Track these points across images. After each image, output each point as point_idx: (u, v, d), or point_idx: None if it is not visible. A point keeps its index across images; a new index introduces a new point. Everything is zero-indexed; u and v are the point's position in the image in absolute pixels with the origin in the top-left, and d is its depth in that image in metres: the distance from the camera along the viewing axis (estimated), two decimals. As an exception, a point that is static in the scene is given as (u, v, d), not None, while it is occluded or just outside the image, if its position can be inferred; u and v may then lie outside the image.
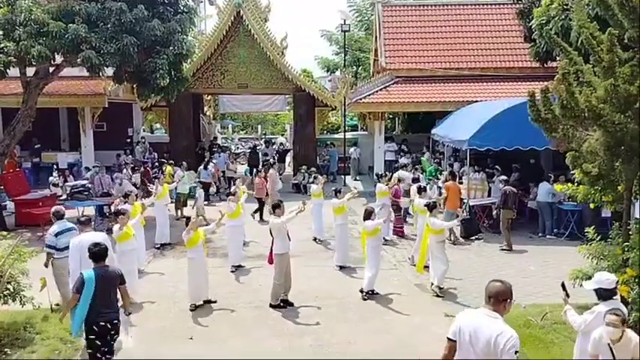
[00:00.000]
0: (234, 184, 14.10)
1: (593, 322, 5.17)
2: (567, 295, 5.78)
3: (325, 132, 30.59)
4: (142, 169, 19.66)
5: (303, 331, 8.20)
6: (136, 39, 13.42)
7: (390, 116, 29.50)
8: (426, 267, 10.15)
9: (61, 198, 16.39)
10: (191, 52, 16.48)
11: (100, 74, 14.22)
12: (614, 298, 5.42)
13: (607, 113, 6.44)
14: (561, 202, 13.57)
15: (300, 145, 22.15)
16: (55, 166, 19.73)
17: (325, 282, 10.46)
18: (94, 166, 18.09)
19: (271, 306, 9.04)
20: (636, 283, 6.71)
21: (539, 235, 13.78)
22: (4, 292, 7.36)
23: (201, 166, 19.05)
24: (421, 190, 12.12)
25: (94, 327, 6.11)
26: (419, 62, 22.24)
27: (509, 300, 4.16)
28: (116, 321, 6.25)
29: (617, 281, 5.67)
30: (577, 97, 6.76)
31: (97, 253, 6.31)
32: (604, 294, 5.35)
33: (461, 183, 14.86)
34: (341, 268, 11.23)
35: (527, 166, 15.79)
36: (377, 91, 21.14)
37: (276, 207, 9.31)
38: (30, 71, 14.49)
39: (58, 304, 8.26)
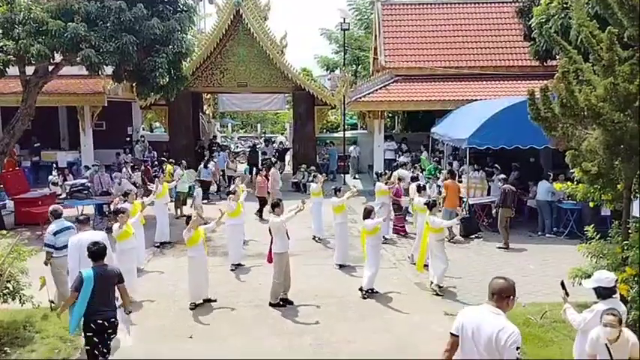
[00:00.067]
0: (233, 183, 14.07)
1: (592, 321, 5.17)
2: (567, 294, 5.78)
3: (325, 131, 30.58)
4: (143, 167, 19.66)
5: (303, 330, 8.21)
6: (135, 38, 13.41)
7: (390, 115, 29.49)
8: (426, 266, 10.15)
9: (60, 197, 16.38)
10: (190, 51, 16.49)
11: (100, 73, 14.23)
12: (614, 296, 5.42)
13: (606, 112, 6.44)
14: (561, 200, 13.58)
15: (300, 143, 22.14)
16: (54, 165, 19.72)
17: (325, 281, 10.47)
18: (93, 165, 18.09)
19: (271, 305, 9.05)
20: (635, 281, 6.71)
21: (539, 233, 13.79)
22: (4, 291, 7.36)
23: (202, 165, 19.06)
24: (420, 189, 12.13)
25: (92, 325, 6.14)
26: (418, 61, 22.23)
27: (512, 297, 4.19)
28: (113, 319, 6.27)
29: (617, 280, 5.67)
30: (576, 95, 6.76)
31: (96, 252, 6.33)
32: (603, 292, 5.35)
33: (460, 182, 14.86)
34: (340, 266, 11.24)
35: (526, 165, 15.80)
36: (376, 90, 21.13)
37: (275, 206, 9.31)
38: (29, 70, 14.49)
39: (52, 301, 8.26)
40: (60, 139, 23.90)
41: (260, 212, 15.55)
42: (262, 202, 15.42)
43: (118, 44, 13.19)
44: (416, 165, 18.53)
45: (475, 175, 15.15)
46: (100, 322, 6.15)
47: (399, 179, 14.78)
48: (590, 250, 7.59)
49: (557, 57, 13.32)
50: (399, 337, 7.91)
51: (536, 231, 13.90)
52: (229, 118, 42.63)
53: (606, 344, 4.80)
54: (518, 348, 3.96)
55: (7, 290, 7.40)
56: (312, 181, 15.68)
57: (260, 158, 23.10)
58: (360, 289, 9.57)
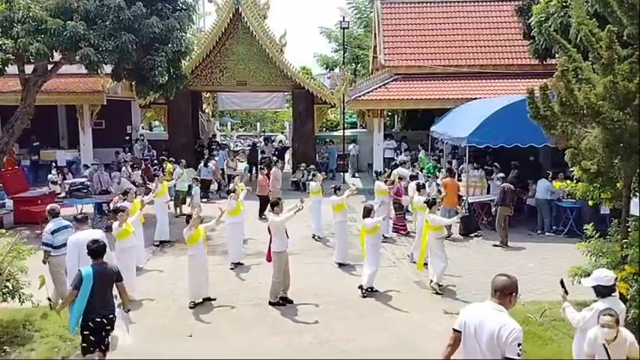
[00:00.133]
0: (233, 182, 14.08)
1: (591, 319, 5.18)
2: (566, 292, 5.79)
3: (324, 129, 30.59)
4: (143, 166, 19.65)
5: (303, 329, 8.21)
6: (134, 36, 13.41)
7: (389, 114, 29.48)
8: (426, 264, 10.16)
9: (59, 196, 16.36)
10: (190, 50, 16.49)
11: (99, 71, 14.21)
12: (613, 295, 5.43)
13: (606, 110, 6.44)
14: (560, 199, 13.58)
15: (300, 142, 22.14)
16: (53, 164, 19.70)
17: (324, 279, 10.47)
18: (92, 164, 18.07)
19: (270, 303, 9.05)
20: (635, 280, 6.72)
21: (538, 232, 13.79)
22: (4, 290, 7.36)
23: (202, 164, 19.06)
24: (420, 188, 12.13)
25: (90, 323, 6.18)
26: (418, 59, 22.24)
27: (514, 294, 4.22)
28: (112, 316, 6.34)
29: (616, 278, 5.68)
30: (576, 94, 6.75)
31: (96, 250, 6.35)
32: (602, 291, 5.36)
33: (460, 180, 14.86)
34: (340, 265, 11.24)
35: (526, 164, 15.80)
36: (376, 89, 21.12)
37: (275, 205, 9.32)
38: (28, 69, 14.48)
39: (50, 299, 8.27)
40: (59, 137, 23.89)
41: (261, 211, 15.52)
42: (263, 200, 15.42)
43: (117, 43, 13.18)
44: (415, 164, 18.54)
45: (474, 174, 15.15)
46: (99, 320, 6.19)
47: (400, 178, 14.78)
48: (590, 249, 7.59)
49: (557, 55, 13.29)
50: (399, 336, 7.92)
51: (535, 229, 13.90)
52: (229, 116, 42.61)
53: (604, 344, 4.81)
54: (519, 345, 3.97)
55: (6, 289, 7.40)
56: (312, 179, 15.67)
57: (259, 157, 23.10)
58: (360, 288, 9.57)
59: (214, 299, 9.23)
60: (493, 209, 13.50)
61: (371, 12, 32.59)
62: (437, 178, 15.85)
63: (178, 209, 16.19)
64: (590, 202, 8.24)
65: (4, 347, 7.17)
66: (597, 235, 7.69)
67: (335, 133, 26.92)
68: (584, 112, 6.70)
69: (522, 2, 17.40)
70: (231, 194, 11.67)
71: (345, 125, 26.23)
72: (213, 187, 19.19)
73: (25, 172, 18.39)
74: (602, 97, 6.53)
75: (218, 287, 9.69)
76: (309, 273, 10.66)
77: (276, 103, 30.15)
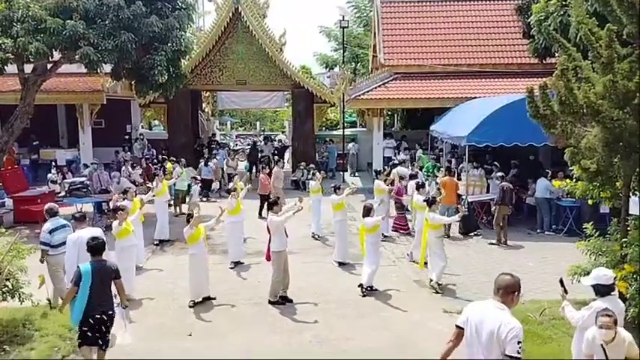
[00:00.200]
0: (232, 181, 14.08)
1: (590, 318, 5.18)
2: (565, 291, 5.79)
3: (324, 128, 30.58)
4: (144, 165, 19.64)
5: (302, 328, 8.21)
6: (134, 35, 13.39)
7: (389, 113, 29.49)
8: (427, 263, 10.16)
9: (59, 195, 16.38)
10: (189, 49, 16.48)
11: (98, 71, 14.19)
12: (612, 293, 5.44)
13: (605, 109, 6.44)
14: (560, 198, 13.59)
15: (299, 141, 22.14)
16: (53, 163, 19.69)
17: (324, 278, 10.47)
18: (92, 163, 18.07)
19: (270, 302, 9.05)
20: (634, 278, 6.72)
21: (538, 231, 13.80)
22: (3, 289, 7.36)
23: (202, 163, 19.06)
24: (419, 187, 12.14)
25: (90, 319, 6.23)
26: (418, 58, 22.25)
27: (517, 293, 4.26)
28: (111, 312, 6.40)
29: (615, 277, 5.68)
30: (576, 93, 6.75)
31: (95, 247, 6.41)
32: (602, 290, 5.37)
33: (459, 179, 14.87)
34: (340, 264, 11.25)
35: (525, 163, 15.81)
36: (375, 88, 21.14)
37: (274, 204, 9.32)
38: (28, 68, 14.46)
39: (49, 300, 8.28)
40: (59, 137, 23.88)
41: (261, 210, 15.50)
42: (264, 199, 15.39)
43: (116, 42, 13.17)
44: (414, 163, 18.53)
45: (474, 173, 15.15)
46: (98, 316, 6.25)
47: (401, 178, 14.78)
48: (589, 248, 7.60)
49: (556, 54, 13.32)
50: (398, 335, 7.92)
51: (535, 228, 13.91)
52: (228, 115, 42.61)
53: (602, 345, 4.82)
54: (519, 342, 3.98)
55: (6, 288, 7.41)
56: (312, 178, 15.67)
57: (259, 156, 23.10)
58: (360, 286, 9.58)
59: (214, 298, 9.23)
60: (493, 208, 13.50)
61: (370, 11, 32.62)
62: (436, 177, 15.85)
63: (178, 208, 16.19)
64: (590, 201, 8.24)
65: (4, 346, 7.17)
66: (597, 234, 7.70)
67: (335, 133, 26.92)
68: (584, 111, 6.70)
69: (522, 1, 17.41)
70: (232, 193, 11.68)
71: (345, 124, 26.22)
72: (215, 185, 19.18)
73: (25, 171, 18.40)
74: (602, 96, 6.53)
75: (218, 286, 9.69)
76: (309, 272, 10.66)
77: (275, 102, 30.14)
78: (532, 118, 7.45)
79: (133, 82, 16.27)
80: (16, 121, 14.31)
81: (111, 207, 11.76)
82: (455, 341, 4.43)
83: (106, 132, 22.38)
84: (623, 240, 7.14)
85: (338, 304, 9.10)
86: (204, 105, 28.54)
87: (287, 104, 31.24)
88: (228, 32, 20.94)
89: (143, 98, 18.89)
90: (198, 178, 18.16)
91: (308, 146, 21.97)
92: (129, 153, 21.47)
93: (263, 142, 26.55)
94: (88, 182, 16.61)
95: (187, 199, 15.88)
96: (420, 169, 17.26)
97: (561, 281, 5.87)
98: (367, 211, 9.63)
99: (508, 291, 4.22)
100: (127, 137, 23.75)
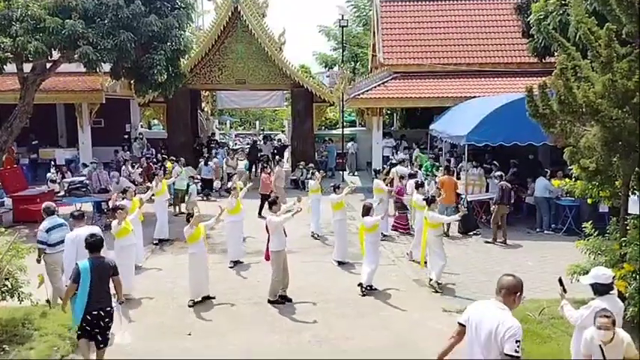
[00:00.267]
0: (231, 180, 14.08)
1: (589, 317, 5.19)
2: (564, 290, 5.80)
3: (323, 128, 30.59)
4: (145, 164, 19.64)
5: (302, 327, 8.21)
6: (133, 35, 13.38)
7: (388, 112, 29.48)
8: (426, 262, 10.16)
9: (58, 194, 16.37)
10: (189, 48, 16.46)
11: (98, 70, 14.19)
12: (611, 293, 5.44)
13: (605, 108, 6.44)
14: (559, 197, 13.60)
15: (299, 140, 22.13)
16: (52, 163, 19.68)
17: (323, 278, 10.47)
18: (91, 163, 18.06)
19: (270, 302, 9.06)
20: (633, 278, 6.73)
21: (537, 230, 13.81)
22: (2, 289, 7.35)
23: (202, 163, 19.06)
24: (419, 186, 12.14)
25: (88, 316, 6.28)
26: (417, 58, 22.24)
27: (519, 293, 4.30)
28: (109, 308, 6.44)
29: (614, 276, 5.69)
30: (575, 92, 6.76)
31: (93, 244, 6.44)
32: (600, 289, 5.38)
33: (459, 178, 14.88)
34: (339, 263, 11.25)
35: (525, 162, 15.81)
36: (375, 87, 21.15)
37: (273, 204, 9.32)
38: (27, 67, 14.46)
39: (48, 300, 8.28)
40: (58, 136, 23.88)
41: (261, 209, 15.47)
42: (265, 198, 15.36)
43: (115, 41, 13.16)
44: (414, 162, 18.52)
45: (473, 172, 15.15)
46: (96, 313, 6.30)
47: (402, 177, 14.77)
48: (589, 247, 7.60)
49: (556, 54, 13.31)
50: (398, 334, 7.92)
51: (534, 228, 13.92)
52: (228, 115, 42.58)
53: (600, 345, 4.82)
54: (518, 341, 3.99)
55: (5, 288, 7.40)
56: (311, 178, 15.67)
57: (258, 155, 23.10)
58: (360, 285, 9.58)
59: (213, 297, 9.23)
60: (492, 207, 13.50)
61: (370, 10, 32.60)
62: (435, 176, 15.85)
63: (177, 208, 16.19)
64: (589, 201, 8.25)
65: (4, 346, 7.16)
66: (596, 233, 7.71)
67: (334, 132, 26.92)
68: (583, 110, 6.70)
69: (521, 0, 17.40)
70: (232, 192, 11.67)
71: (344, 124, 26.21)
72: (217, 184, 19.17)
73: (24, 170, 18.38)
74: (601, 96, 6.53)
75: (217, 285, 9.69)
76: (309, 271, 10.66)
77: (275, 101, 30.13)
78: (531, 117, 7.46)
79: (132, 82, 16.26)
80: (15, 120, 14.31)
81: (110, 206, 11.76)
82: (456, 338, 4.48)
83: (106, 131, 22.37)
84: (622, 239, 7.15)
85: (337, 304, 9.10)
86: (203, 104, 28.54)
87: (286, 103, 31.23)
88: (227, 31, 20.92)
89: (142, 97, 18.88)
90: (198, 177, 18.15)
91: (307, 145, 21.96)
92: (128, 152, 21.45)
93: (262, 142, 26.55)
94: (87, 182, 16.60)
95: (186, 199, 15.87)
96: (420, 168, 17.26)
97: (560, 280, 5.87)
98: (366, 211, 9.63)
99: (510, 291, 4.25)
100: (126, 137, 23.74)
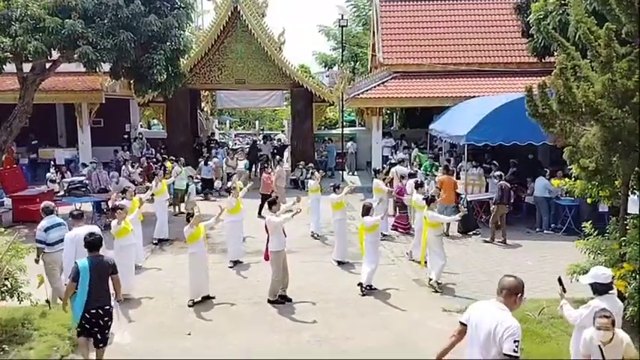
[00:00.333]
0: (232, 180, 14.07)
1: (588, 317, 5.19)
2: (564, 290, 5.80)
3: (323, 128, 30.59)
4: (146, 164, 19.65)
5: (301, 327, 8.21)
6: (132, 34, 13.38)
7: (388, 112, 29.48)
8: (427, 262, 10.16)
9: (58, 194, 16.36)
10: (188, 48, 16.46)
11: (97, 70, 14.19)
12: (610, 292, 5.45)
13: (604, 108, 6.44)
14: (559, 197, 13.60)
15: (298, 140, 22.13)
16: (52, 163, 19.68)
17: (323, 277, 10.48)
18: (91, 162, 18.06)
19: (269, 302, 9.05)
20: (633, 277, 6.73)
21: (537, 230, 13.81)
22: (2, 289, 7.35)
23: (202, 163, 19.05)
24: (418, 186, 12.14)
25: (87, 314, 6.30)
26: (417, 57, 22.25)
27: (520, 294, 4.30)
28: (108, 307, 6.46)
29: (613, 276, 5.69)
30: (574, 92, 6.76)
31: (92, 243, 6.47)
32: (600, 288, 5.38)
33: (458, 178, 14.88)
34: (339, 263, 11.25)
35: (524, 161, 15.82)
36: (374, 87, 21.16)
37: (273, 204, 9.32)
38: (26, 67, 14.46)
39: (48, 301, 8.28)
40: (57, 136, 23.87)
41: (261, 209, 15.44)
42: (265, 198, 15.35)
43: (115, 41, 13.16)
44: (413, 162, 18.52)
45: (473, 172, 15.15)
46: (94, 311, 6.32)
47: (402, 177, 14.77)
48: (588, 247, 7.61)
49: (555, 53, 13.32)
50: (398, 334, 7.93)
51: (534, 227, 13.92)
52: (227, 115, 42.57)
53: (599, 345, 4.83)
54: (516, 341, 3.99)
55: (5, 288, 7.40)
56: (311, 178, 15.67)
57: (258, 155, 23.11)
58: (359, 285, 9.58)
59: (213, 297, 9.23)
60: (492, 207, 13.50)
61: (370, 10, 32.61)
62: (435, 176, 15.85)
63: (177, 207, 16.19)
64: (589, 200, 8.26)
65: (3, 346, 7.16)
66: (595, 232, 7.71)
67: (334, 132, 26.92)
68: (583, 110, 6.71)
69: (521, 0, 17.39)
70: (232, 192, 11.68)
71: (344, 123, 26.21)
72: (217, 184, 19.17)
73: (24, 170, 18.37)
74: (601, 95, 6.53)
75: (217, 285, 9.68)
76: (308, 271, 10.66)
77: (274, 101, 30.13)
78: (531, 117, 7.46)
79: (131, 81, 16.25)
80: (14, 120, 14.30)
81: (110, 206, 11.77)
82: (457, 336, 4.49)
83: (105, 131, 22.36)
84: (622, 239, 7.15)
85: (337, 304, 9.10)
86: (203, 104, 28.53)
87: (286, 103, 31.24)
88: (227, 31, 20.92)
89: (142, 97, 18.88)
90: (198, 177, 18.13)
91: (307, 145, 21.96)
92: (128, 152, 21.45)
93: (262, 141, 26.55)
94: (86, 181, 16.60)
95: (186, 199, 15.87)
96: (419, 168, 17.26)
97: (560, 280, 5.87)
98: (366, 210, 9.63)
99: (511, 292, 4.26)
100: (125, 136, 23.74)
